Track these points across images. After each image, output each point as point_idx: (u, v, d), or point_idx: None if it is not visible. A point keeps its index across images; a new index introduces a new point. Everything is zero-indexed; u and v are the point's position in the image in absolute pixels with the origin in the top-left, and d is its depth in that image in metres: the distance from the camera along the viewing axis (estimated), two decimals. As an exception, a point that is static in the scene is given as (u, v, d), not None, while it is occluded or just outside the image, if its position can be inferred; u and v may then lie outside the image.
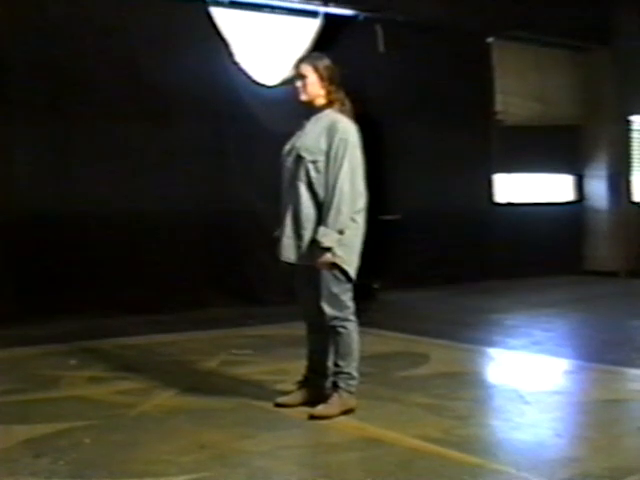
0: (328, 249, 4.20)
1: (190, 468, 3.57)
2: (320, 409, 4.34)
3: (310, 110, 4.47)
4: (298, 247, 4.34)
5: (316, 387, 4.53)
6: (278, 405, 4.52)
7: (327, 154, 4.28)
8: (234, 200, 8.57)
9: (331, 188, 4.25)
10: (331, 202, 4.23)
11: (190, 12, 8.33)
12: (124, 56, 7.91)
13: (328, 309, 4.32)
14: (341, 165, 4.25)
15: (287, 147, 4.51)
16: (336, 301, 4.33)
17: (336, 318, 4.34)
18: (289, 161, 4.44)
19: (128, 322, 7.38)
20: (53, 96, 7.57)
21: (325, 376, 4.53)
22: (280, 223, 4.47)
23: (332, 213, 4.22)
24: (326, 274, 4.27)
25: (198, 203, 8.34)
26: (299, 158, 4.34)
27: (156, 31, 8.13)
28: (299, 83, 4.43)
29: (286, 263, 4.41)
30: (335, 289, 4.31)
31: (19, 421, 4.32)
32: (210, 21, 8.45)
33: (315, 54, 4.75)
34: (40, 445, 3.91)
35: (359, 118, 4.48)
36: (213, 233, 8.45)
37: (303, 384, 4.59)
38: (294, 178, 4.37)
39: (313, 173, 4.30)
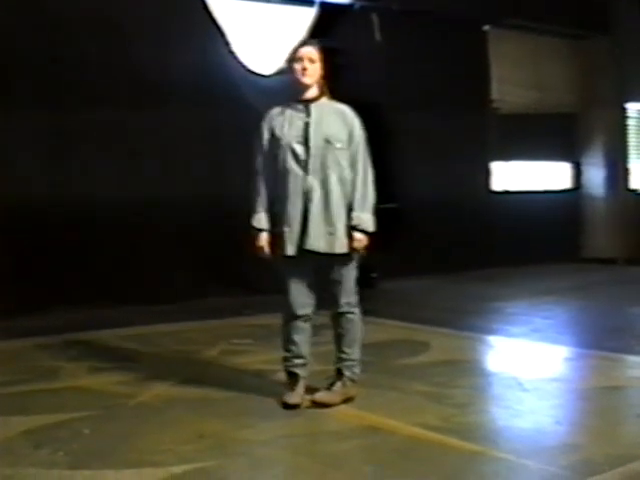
0: (367, 232, 4.29)
1: (190, 458, 3.57)
2: (322, 396, 4.36)
3: (304, 96, 4.33)
4: (330, 234, 4.28)
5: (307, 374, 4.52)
6: (288, 407, 4.33)
7: (349, 143, 4.32)
8: (232, 189, 8.53)
9: (362, 174, 4.32)
10: (365, 186, 4.32)
11: (186, 1, 8.29)
12: (120, 45, 7.87)
13: (344, 295, 4.37)
14: (365, 152, 4.36)
15: (293, 133, 4.30)
16: (350, 287, 4.40)
17: (348, 304, 4.40)
18: (315, 148, 4.26)
19: (127, 312, 7.36)
20: (50, 88, 7.52)
21: (308, 361, 4.52)
22: (283, 219, 4.36)
23: (367, 198, 4.33)
24: (347, 262, 4.33)
25: (196, 192, 8.31)
26: (328, 145, 4.28)
27: (152, 20, 8.09)
28: (307, 64, 4.28)
29: (310, 254, 4.29)
30: (353, 276, 4.40)
31: (18, 412, 4.32)
32: (206, 10, 8.42)
33: (315, 40, 4.66)
34: (40, 436, 3.92)
35: (357, 107, 4.45)
36: (212, 222, 8.41)
37: (299, 381, 4.53)
38: (323, 166, 4.29)
39: (344, 162, 4.31)
